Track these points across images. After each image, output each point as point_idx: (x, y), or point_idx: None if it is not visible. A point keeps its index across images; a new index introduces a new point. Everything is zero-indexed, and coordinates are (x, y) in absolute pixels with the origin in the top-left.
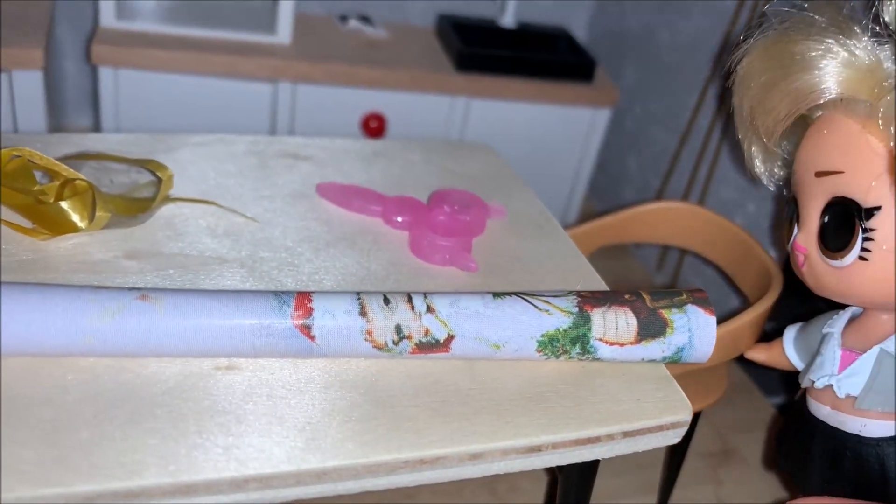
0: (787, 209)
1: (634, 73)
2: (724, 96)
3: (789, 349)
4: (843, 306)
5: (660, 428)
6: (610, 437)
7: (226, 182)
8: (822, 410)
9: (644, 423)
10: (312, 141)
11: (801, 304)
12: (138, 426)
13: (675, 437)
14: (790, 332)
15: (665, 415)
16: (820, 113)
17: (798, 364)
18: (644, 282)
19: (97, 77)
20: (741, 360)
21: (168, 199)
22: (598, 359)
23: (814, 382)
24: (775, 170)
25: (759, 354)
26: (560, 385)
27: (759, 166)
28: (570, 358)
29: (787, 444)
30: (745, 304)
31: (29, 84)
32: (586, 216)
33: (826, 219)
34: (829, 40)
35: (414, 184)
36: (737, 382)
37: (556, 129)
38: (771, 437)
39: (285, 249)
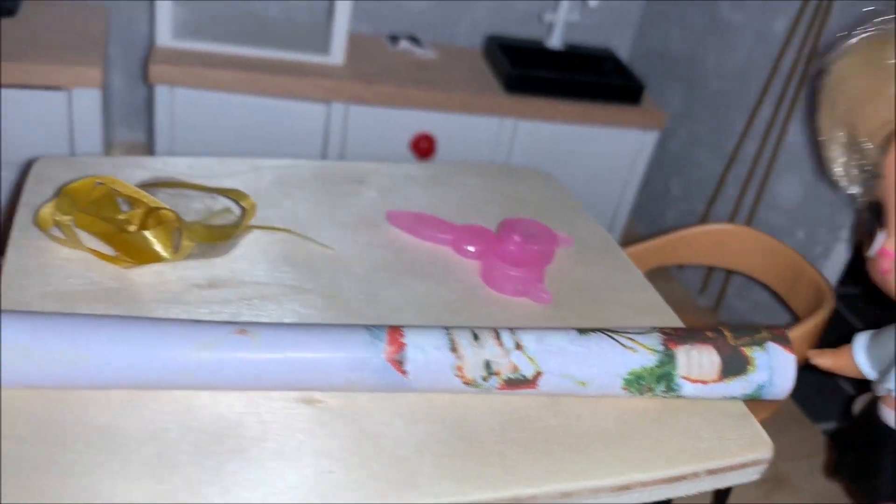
0: (867, 217)
1: (678, 97)
2: (774, 122)
3: (860, 356)
4: None
5: (742, 465)
6: (695, 474)
7: (296, 208)
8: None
9: (727, 461)
10: (374, 165)
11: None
12: (237, 460)
13: (755, 475)
14: (861, 340)
15: (747, 452)
16: None
17: (868, 372)
18: (688, 304)
19: (153, 95)
20: None
21: (248, 228)
22: (680, 396)
23: (892, 391)
24: (854, 172)
25: (825, 360)
26: (643, 422)
27: (839, 168)
28: (654, 395)
29: (853, 453)
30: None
31: (87, 102)
32: (629, 237)
33: None
34: None
35: (478, 211)
36: (784, 409)
37: (602, 150)
38: (831, 446)
39: (361, 278)
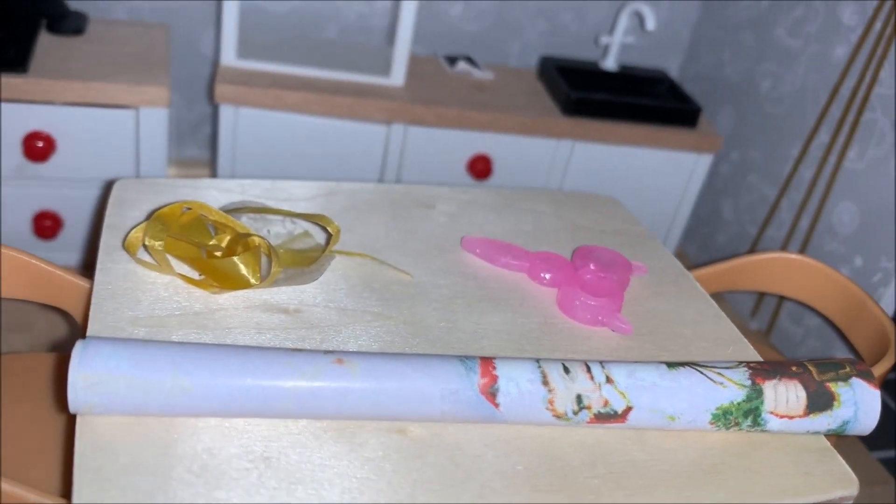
0: None
1: (729, 120)
2: (832, 148)
3: None
4: None
5: (829, 502)
6: None
7: (371, 232)
8: None
9: (814, 497)
10: (443, 190)
11: None
12: (335, 488)
13: None
14: None
15: (834, 489)
16: None
17: None
18: (739, 329)
19: (217, 114)
20: None
21: (331, 253)
22: (765, 431)
23: None
24: None
25: None
26: (729, 457)
27: None
28: (740, 430)
29: None
30: (857, 357)
31: (154, 121)
32: (680, 261)
33: None
34: None
35: (549, 237)
36: (839, 437)
37: (656, 173)
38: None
39: (440, 306)
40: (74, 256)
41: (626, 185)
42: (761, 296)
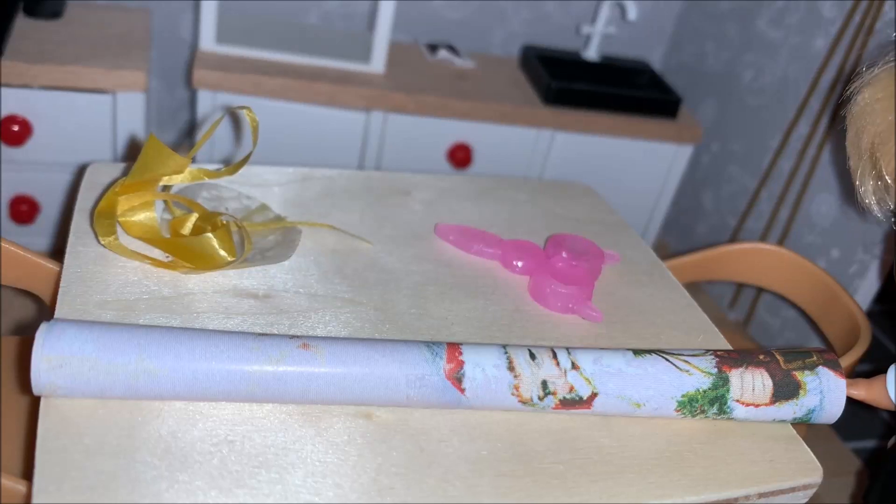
0: None
1: (712, 111)
2: (811, 140)
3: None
4: None
5: (793, 489)
6: (746, 498)
7: (346, 220)
8: None
9: (778, 484)
10: (420, 177)
11: None
12: (298, 473)
13: (804, 498)
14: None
15: (798, 476)
16: None
17: None
18: (717, 319)
19: (195, 100)
20: None
21: (293, 224)
22: (731, 419)
23: None
24: (886, 200)
25: (859, 391)
26: (695, 444)
27: (869, 196)
28: (706, 417)
29: (883, 485)
30: (829, 348)
31: (131, 105)
32: (660, 251)
33: None
34: None
35: (524, 225)
36: (815, 427)
37: (636, 163)
38: (863, 476)
39: (411, 293)
40: (51, 241)
41: (607, 175)
42: (740, 287)
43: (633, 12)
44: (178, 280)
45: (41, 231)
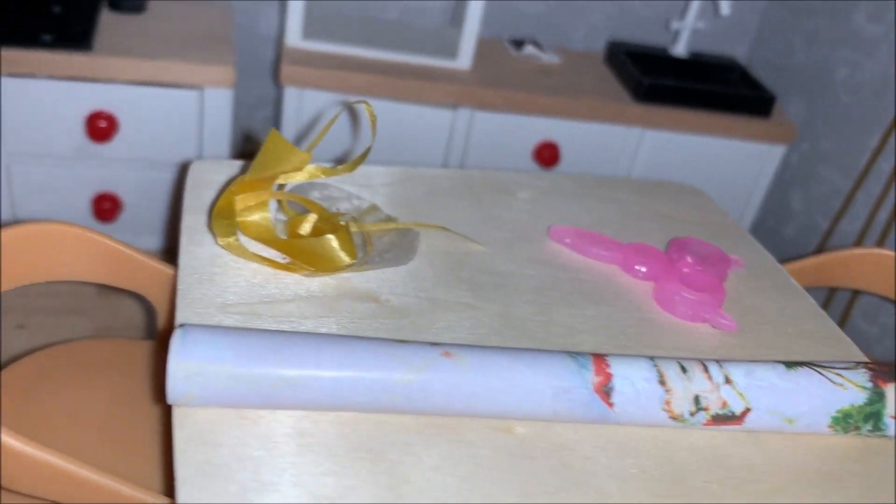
0: None
1: (802, 108)
2: None
3: None
4: None
5: None
6: None
7: (453, 220)
8: None
9: None
10: (521, 176)
11: None
12: (461, 490)
13: None
14: None
15: None
16: None
17: None
18: None
19: (282, 96)
20: None
21: (407, 224)
22: (885, 436)
23: None
24: None
25: None
26: (849, 462)
27: None
28: (859, 434)
29: None
30: None
31: (219, 101)
32: None
33: None
34: None
35: (635, 227)
36: None
37: (726, 163)
38: None
39: (532, 299)
40: (133, 239)
41: (695, 174)
42: (832, 291)
43: (726, 8)
44: (298, 283)
45: (123, 228)
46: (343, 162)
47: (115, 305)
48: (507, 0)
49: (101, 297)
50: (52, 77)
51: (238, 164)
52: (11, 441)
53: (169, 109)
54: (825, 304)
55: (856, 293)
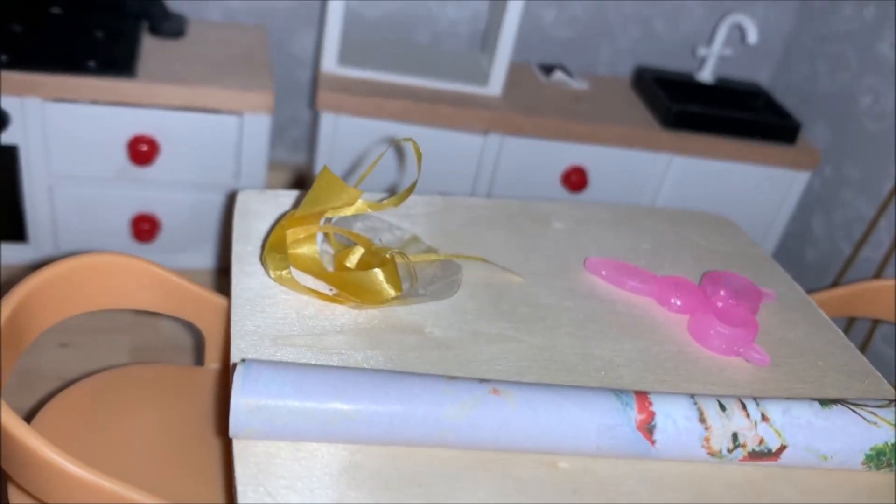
0: None
1: (823, 134)
2: None
3: None
4: None
5: None
6: None
7: (491, 251)
8: None
9: None
10: (557, 205)
11: None
12: None
13: None
14: None
15: None
16: None
17: None
18: None
19: (318, 121)
20: None
21: (446, 255)
22: None
23: None
24: None
25: None
26: (878, 498)
27: None
28: (891, 471)
29: None
30: None
31: (258, 126)
32: None
33: None
34: None
35: (670, 258)
36: None
37: (751, 189)
38: None
39: (571, 332)
40: (171, 258)
41: (719, 200)
42: (851, 320)
43: (752, 35)
44: (347, 316)
45: (161, 249)
46: (384, 192)
47: (154, 324)
48: (536, 22)
49: (138, 316)
50: (95, 102)
51: (283, 194)
52: (71, 468)
53: (209, 134)
54: (847, 329)
55: (875, 322)
